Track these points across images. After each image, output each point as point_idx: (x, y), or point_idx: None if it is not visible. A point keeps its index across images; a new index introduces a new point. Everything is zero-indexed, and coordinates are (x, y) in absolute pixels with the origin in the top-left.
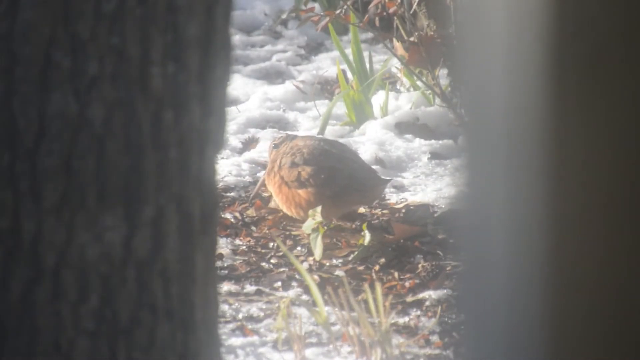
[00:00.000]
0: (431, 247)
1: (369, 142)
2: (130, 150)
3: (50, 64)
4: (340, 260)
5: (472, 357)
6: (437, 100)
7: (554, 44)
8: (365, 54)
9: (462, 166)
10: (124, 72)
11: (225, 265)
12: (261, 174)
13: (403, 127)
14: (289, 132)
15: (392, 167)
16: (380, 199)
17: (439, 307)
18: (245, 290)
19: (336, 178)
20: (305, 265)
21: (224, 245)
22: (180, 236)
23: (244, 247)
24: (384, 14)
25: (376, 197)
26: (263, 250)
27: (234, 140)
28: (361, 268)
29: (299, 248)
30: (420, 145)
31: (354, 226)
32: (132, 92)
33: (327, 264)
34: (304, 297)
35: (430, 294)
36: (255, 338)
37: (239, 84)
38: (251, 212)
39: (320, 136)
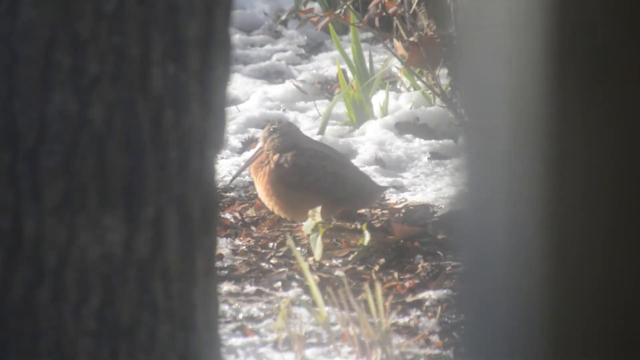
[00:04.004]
0: (431, 247)
1: (368, 142)
2: (130, 151)
3: (50, 63)
4: (340, 261)
5: (472, 357)
6: (437, 100)
7: (555, 44)
8: (365, 53)
9: (462, 166)
10: (124, 72)
11: (225, 265)
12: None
13: (403, 127)
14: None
15: (392, 167)
16: (380, 199)
17: (439, 307)
18: (245, 291)
19: (344, 185)
20: (305, 265)
21: (224, 246)
22: (180, 236)
23: (244, 247)
24: (384, 13)
25: (372, 204)
26: (263, 251)
27: (234, 140)
28: (361, 268)
29: (298, 248)
30: (420, 145)
31: (353, 226)
32: (132, 92)
33: (327, 264)
34: (304, 297)
35: (430, 294)
36: (255, 338)
37: (239, 84)
38: (251, 212)
39: (319, 139)
